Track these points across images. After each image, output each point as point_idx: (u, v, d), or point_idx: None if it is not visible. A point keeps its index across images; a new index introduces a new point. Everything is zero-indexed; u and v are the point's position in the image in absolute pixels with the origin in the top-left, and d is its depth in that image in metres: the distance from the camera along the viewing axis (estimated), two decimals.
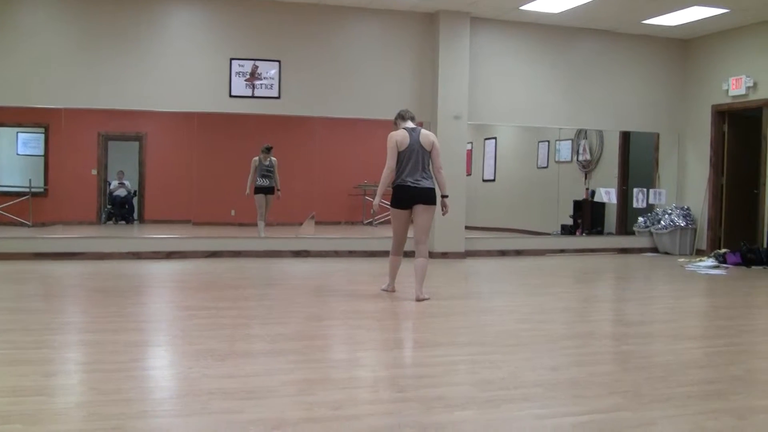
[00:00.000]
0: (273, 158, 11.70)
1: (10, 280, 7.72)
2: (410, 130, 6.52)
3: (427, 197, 6.47)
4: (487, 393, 3.55)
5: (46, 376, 3.79)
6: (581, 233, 12.58)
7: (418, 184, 6.44)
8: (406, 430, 2.97)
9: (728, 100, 11.38)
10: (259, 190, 11.59)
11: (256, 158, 11.64)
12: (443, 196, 6.67)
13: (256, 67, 10.25)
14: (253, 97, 10.25)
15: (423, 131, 6.59)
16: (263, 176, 11.59)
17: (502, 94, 11.27)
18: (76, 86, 9.68)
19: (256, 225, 11.60)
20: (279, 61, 10.33)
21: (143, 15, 9.91)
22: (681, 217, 11.79)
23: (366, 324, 5.64)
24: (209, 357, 4.19)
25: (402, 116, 6.68)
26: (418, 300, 6.41)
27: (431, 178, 6.55)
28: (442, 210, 6.72)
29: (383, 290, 6.94)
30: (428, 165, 6.54)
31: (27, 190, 12.35)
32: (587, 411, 3.30)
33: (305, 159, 12.06)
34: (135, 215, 14.21)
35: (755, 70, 10.92)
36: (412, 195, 6.45)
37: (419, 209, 6.48)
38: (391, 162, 6.45)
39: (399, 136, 6.48)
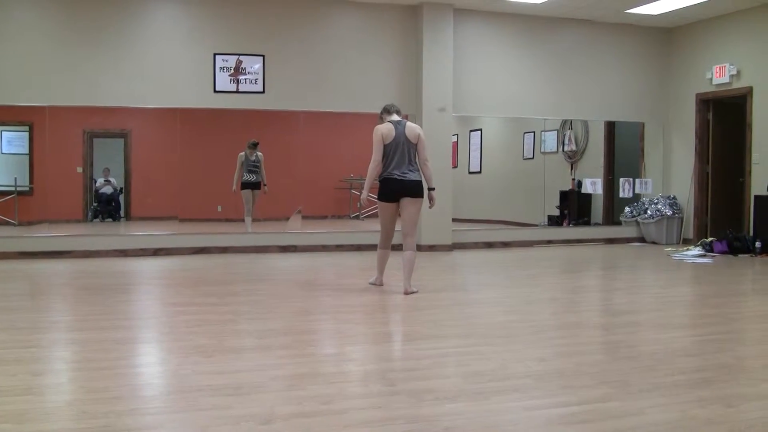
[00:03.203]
0: (259, 153, 11.68)
1: None
2: (396, 123, 6.52)
3: (414, 190, 6.47)
4: (477, 385, 3.56)
5: (35, 375, 3.77)
6: (568, 224, 12.62)
7: (405, 176, 6.44)
8: (397, 424, 2.98)
9: (712, 89, 11.43)
10: (245, 185, 11.59)
11: (242, 153, 11.63)
12: (430, 189, 6.66)
13: (240, 61, 10.21)
14: (237, 92, 10.21)
15: (409, 124, 6.59)
16: (249, 171, 11.59)
17: (487, 85, 11.28)
18: (59, 84, 9.61)
19: (242, 220, 11.59)
20: (263, 56, 10.29)
21: (126, 11, 9.84)
22: (667, 207, 11.84)
23: (354, 318, 5.65)
24: (198, 353, 4.18)
25: (387, 110, 6.68)
26: (407, 293, 6.41)
27: (418, 170, 6.55)
28: (429, 203, 6.71)
29: (371, 284, 6.94)
30: (414, 158, 6.54)
31: (12, 188, 12.28)
32: (576, 401, 3.32)
33: (291, 154, 12.04)
34: (121, 212, 14.17)
35: (738, 58, 10.96)
36: (398, 188, 6.45)
37: (406, 202, 6.48)
38: (377, 155, 6.45)
39: (385, 129, 6.48)
